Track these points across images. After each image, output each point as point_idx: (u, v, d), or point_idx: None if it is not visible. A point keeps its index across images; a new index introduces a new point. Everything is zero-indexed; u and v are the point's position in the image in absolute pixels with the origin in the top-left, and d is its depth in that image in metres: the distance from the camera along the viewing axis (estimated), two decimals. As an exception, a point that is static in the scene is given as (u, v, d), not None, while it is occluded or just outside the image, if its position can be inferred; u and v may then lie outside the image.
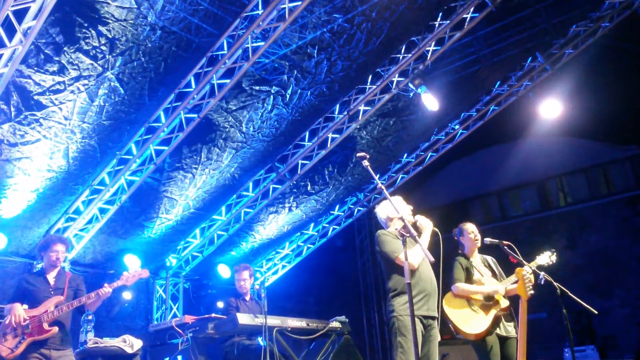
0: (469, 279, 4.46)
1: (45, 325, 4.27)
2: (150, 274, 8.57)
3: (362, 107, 7.44)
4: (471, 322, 4.25)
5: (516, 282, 4.35)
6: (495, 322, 4.28)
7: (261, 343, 5.31)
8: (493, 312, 4.29)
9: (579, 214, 11.33)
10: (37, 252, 4.88)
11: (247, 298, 6.06)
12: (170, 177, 7.05)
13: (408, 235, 3.52)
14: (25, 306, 4.35)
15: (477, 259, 4.65)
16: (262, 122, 6.94)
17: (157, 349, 5.72)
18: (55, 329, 4.31)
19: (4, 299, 4.72)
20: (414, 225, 3.60)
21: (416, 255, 3.82)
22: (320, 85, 6.85)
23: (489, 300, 4.37)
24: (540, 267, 4.45)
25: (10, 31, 4.33)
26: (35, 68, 5.04)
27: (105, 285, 4.47)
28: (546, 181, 12.11)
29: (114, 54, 5.27)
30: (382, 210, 4.23)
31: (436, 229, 3.94)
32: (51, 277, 4.56)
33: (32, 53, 4.89)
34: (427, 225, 3.92)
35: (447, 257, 4.51)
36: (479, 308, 4.31)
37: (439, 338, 3.91)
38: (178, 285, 8.93)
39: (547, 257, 4.53)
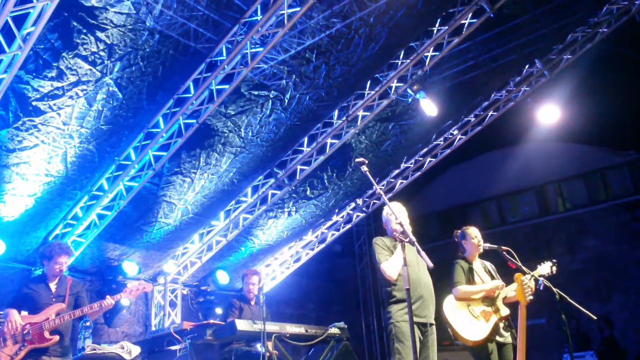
0: (470, 282, 4.44)
1: (47, 334, 4.24)
2: (149, 280, 8.55)
3: (360, 113, 7.44)
4: (471, 328, 4.23)
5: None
6: (495, 330, 4.27)
7: (260, 349, 5.29)
8: (493, 320, 4.28)
9: (577, 219, 11.34)
10: (37, 259, 4.87)
11: (252, 303, 6.05)
12: (169, 182, 7.02)
13: (407, 240, 3.52)
14: (25, 312, 4.33)
15: (477, 263, 4.64)
16: (261, 127, 6.93)
17: (155, 355, 5.69)
18: (56, 337, 4.28)
19: (2, 306, 4.69)
20: (403, 233, 3.62)
21: (394, 267, 3.86)
22: (319, 90, 6.85)
23: (490, 307, 4.35)
24: (540, 276, 4.43)
25: (10, 37, 4.33)
26: (34, 74, 5.03)
27: (108, 297, 4.46)
28: (545, 186, 12.13)
29: (113, 59, 5.26)
30: (384, 214, 4.26)
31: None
32: (53, 283, 4.56)
33: (30, 59, 4.88)
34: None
35: (446, 263, 4.52)
36: (480, 314, 4.29)
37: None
38: (176, 291, 8.89)
39: (548, 268, 4.48)
